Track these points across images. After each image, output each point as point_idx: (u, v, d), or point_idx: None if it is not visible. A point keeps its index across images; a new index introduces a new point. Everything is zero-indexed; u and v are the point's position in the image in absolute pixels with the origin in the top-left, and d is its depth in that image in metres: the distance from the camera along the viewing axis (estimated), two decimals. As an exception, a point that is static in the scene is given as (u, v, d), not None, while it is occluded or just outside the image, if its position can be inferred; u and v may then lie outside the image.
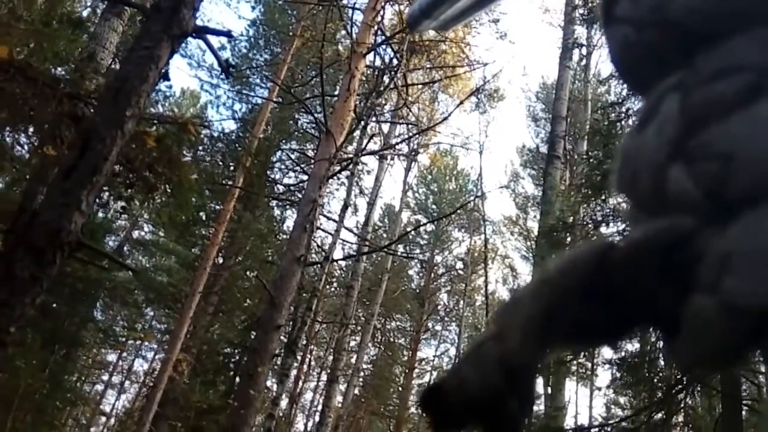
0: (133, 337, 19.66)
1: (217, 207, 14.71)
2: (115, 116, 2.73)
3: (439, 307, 22.59)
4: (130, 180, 4.68)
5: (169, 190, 4.95)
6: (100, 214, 16.26)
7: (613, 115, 9.79)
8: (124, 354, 22.39)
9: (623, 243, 0.27)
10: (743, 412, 6.58)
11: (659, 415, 7.44)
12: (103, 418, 23.17)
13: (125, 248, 19.32)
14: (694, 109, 0.27)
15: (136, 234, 20.51)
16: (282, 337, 9.46)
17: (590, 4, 11.06)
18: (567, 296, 0.27)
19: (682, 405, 7.94)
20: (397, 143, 14.78)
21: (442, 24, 0.53)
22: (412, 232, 19.41)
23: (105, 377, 23.42)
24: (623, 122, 9.37)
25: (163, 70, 2.94)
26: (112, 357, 23.27)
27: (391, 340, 22.25)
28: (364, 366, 19.53)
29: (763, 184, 0.24)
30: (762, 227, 0.23)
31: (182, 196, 5.03)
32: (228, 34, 3.54)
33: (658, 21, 0.30)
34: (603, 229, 9.13)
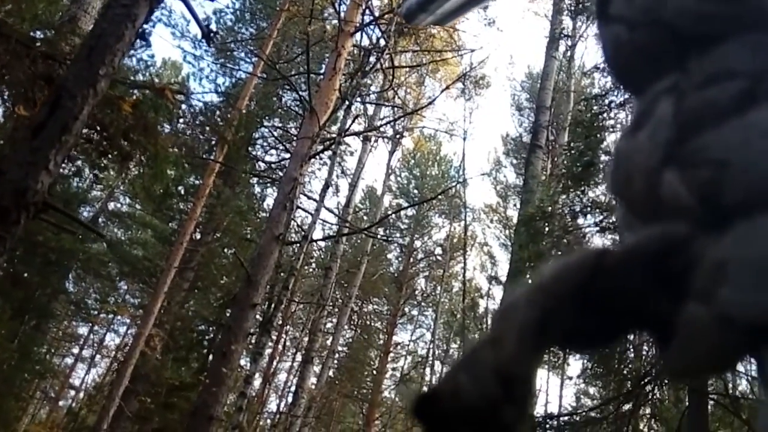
0: (106, 310, 19.45)
1: (197, 181, 14.53)
2: (88, 74, 2.62)
3: (416, 292, 22.69)
4: (104, 147, 4.55)
5: (144, 160, 4.84)
6: (75, 184, 15.97)
7: (595, 107, 9.83)
8: (96, 327, 22.18)
9: (617, 249, 0.27)
10: (709, 406, 6.70)
11: (627, 406, 7.56)
12: (72, 392, 22.99)
13: (100, 219, 19.01)
14: (688, 113, 0.27)
15: (111, 205, 20.22)
16: (257, 316, 9.42)
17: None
18: (561, 303, 0.27)
19: (650, 397, 8.08)
20: (382, 125, 14.70)
21: (439, 18, 0.52)
22: (393, 216, 19.40)
23: (75, 350, 23.24)
24: (605, 114, 9.41)
25: (140, 30, 2.83)
26: (83, 330, 23.07)
27: (368, 323, 22.31)
28: (340, 348, 19.58)
29: (758, 193, 0.24)
30: (757, 236, 0.23)
31: (158, 167, 4.92)
32: (210, -4, 3.41)
33: (652, 21, 0.29)
34: (581, 220, 9.20)
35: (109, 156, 4.72)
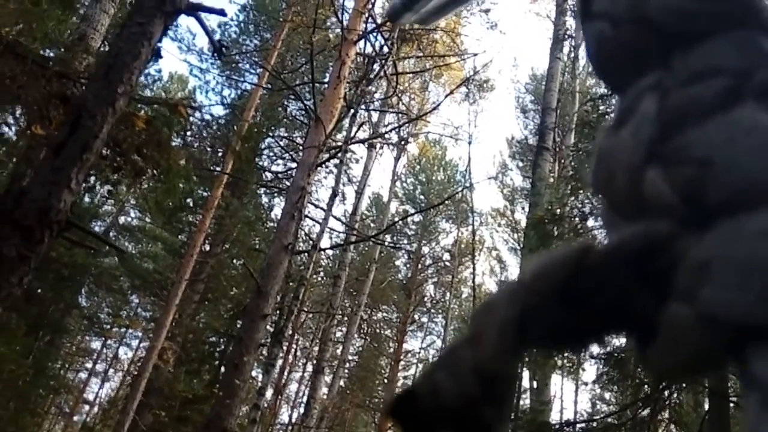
0: (119, 324, 19.49)
1: (205, 193, 14.59)
2: (107, 93, 2.66)
3: (425, 299, 22.61)
4: (118, 163, 4.60)
5: (156, 175, 4.87)
6: (87, 199, 16.06)
7: (601, 107, 9.81)
8: (109, 341, 22.22)
9: (600, 247, 0.26)
10: (731, 409, 6.63)
11: (645, 411, 7.49)
12: (87, 407, 23.04)
13: (111, 234, 19.09)
14: (671, 111, 0.27)
15: (122, 219, 20.33)
16: (268, 327, 9.42)
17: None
18: (542, 300, 0.26)
19: (669, 401, 8.00)
20: (387, 132, 14.73)
21: (423, 17, 0.52)
22: (400, 222, 19.39)
23: (89, 365, 23.26)
24: (612, 115, 9.40)
25: (155, 47, 2.87)
26: (96, 344, 23.11)
27: (378, 331, 22.25)
28: (350, 357, 19.53)
29: (741, 192, 0.24)
30: (740, 236, 0.23)
31: (171, 181, 4.95)
32: (221, 12, 3.47)
33: (635, 18, 0.29)
34: (591, 222, 9.17)
35: (122, 172, 4.76)
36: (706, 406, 6.64)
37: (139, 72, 2.82)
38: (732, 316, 0.22)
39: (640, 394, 7.68)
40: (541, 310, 0.26)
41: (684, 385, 6.94)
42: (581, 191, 9.25)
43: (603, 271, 0.26)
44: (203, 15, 3.23)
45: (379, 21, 11.22)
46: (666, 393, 7.13)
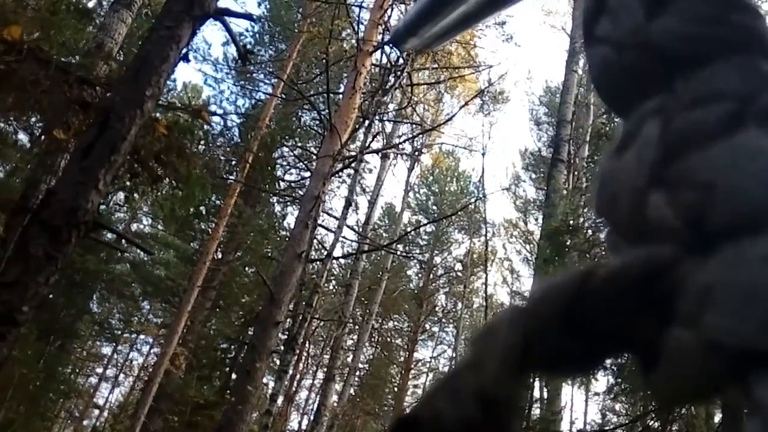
0: (130, 330, 19.56)
1: (218, 202, 14.67)
2: (135, 95, 2.69)
3: (436, 309, 22.55)
4: (135, 170, 4.62)
5: (173, 182, 4.89)
6: (102, 198, 16.21)
7: (616, 119, 9.78)
8: (120, 347, 22.31)
9: (603, 270, 0.26)
10: (743, 421, 6.55)
11: (656, 423, 7.41)
12: (97, 411, 23.07)
13: (123, 241, 19.21)
14: (674, 135, 0.27)
15: (135, 227, 20.45)
16: (280, 334, 9.42)
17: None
18: (545, 324, 0.26)
19: (680, 414, 7.92)
20: (401, 142, 14.76)
21: (427, 42, 0.52)
22: (413, 232, 19.38)
23: (99, 370, 23.33)
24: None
25: (183, 51, 2.90)
26: (106, 350, 23.19)
27: (389, 340, 22.19)
28: (361, 365, 19.48)
29: (744, 216, 0.23)
30: (743, 261, 0.23)
31: (189, 189, 4.98)
32: (249, 16, 3.49)
33: (638, 43, 0.29)
34: (604, 234, 9.13)
35: (140, 178, 4.79)
36: (718, 419, 6.56)
37: (167, 75, 2.86)
38: (735, 343, 0.22)
39: (650, 406, 7.61)
40: (544, 334, 0.26)
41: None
42: (595, 203, 9.21)
43: (606, 295, 0.25)
44: (229, 20, 3.27)
45: (394, 32, 11.24)
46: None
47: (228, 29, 3.36)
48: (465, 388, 0.27)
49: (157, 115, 5.60)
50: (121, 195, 18.33)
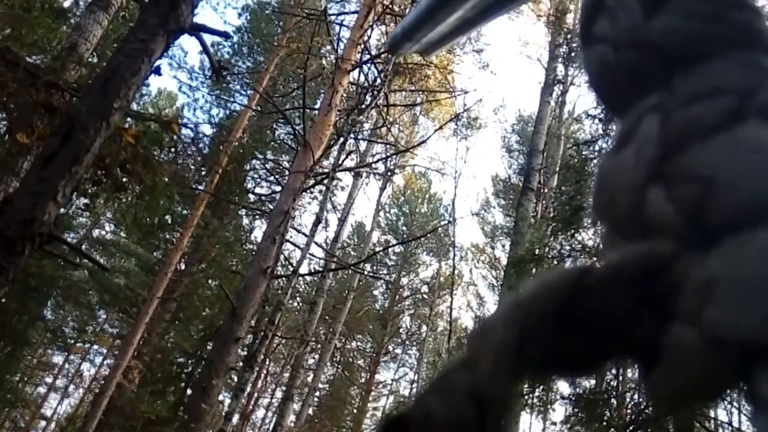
0: (83, 339, 18.97)
1: (185, 211, 14.41)
2: (102, 107, 2.59)
3: (401, 330, 22.47)
4: (98, 177, 4.50)
5: (138, 191, 4.77)
6: (61, 210, 15.79)
7: (585, 152, 9.97)
8: (72, 357, 21.62)
9: (601, 267, 0.26)
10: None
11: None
12: (43, 422, 22.26)
13: (84, 247, 18.70)
14: (673, 130, 0.27)
15: (96, 233, 19.93)
16: (240, 350, 9.24)
17: (572, 43, 11.32)
18: (541, 323, 0.26)
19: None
20: (374, 162, 14.78)
21: (424, 48, 0.52)
22: (381, 252, 19.33)
23: (49, 379, 22.58)
24: (596, 160, 9.55)
25: (155, 65, 2.82)
26: (58, 359, 22.46)
27: (351, 360, 22.00)
28: (321, 385, 19.22)
29: (744, 211, 0.23)
30: (745, 256, 0.23)
31: (153, 199, 4.86)
32: (225, 34, 3.42)
33: (637, 41, 0.29)
34: (569, 264, 9.24)
35: (102, 185, 4.66)
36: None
37: (137, 88, 2.76)
38: (739, 338, 0.21)
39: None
40: (540, 333, 0.25)
41: (650, 430, 6.96)
42: (561, 233, 9.34)
43: (603, 292, 0.25)
44: (205, 36, 3.20)
45: (373, 52, 11.33)
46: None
47: (204, 45, 3.28)
48: (458, 387, 0.26)
49: (128, 122, 5.47)
50: (84, 199, 17.88)
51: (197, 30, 3.09)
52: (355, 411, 20.76)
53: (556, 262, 9.34)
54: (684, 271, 0.23)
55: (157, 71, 2.92)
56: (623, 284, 0.24)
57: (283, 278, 10.42)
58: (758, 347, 0.21)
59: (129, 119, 4.26)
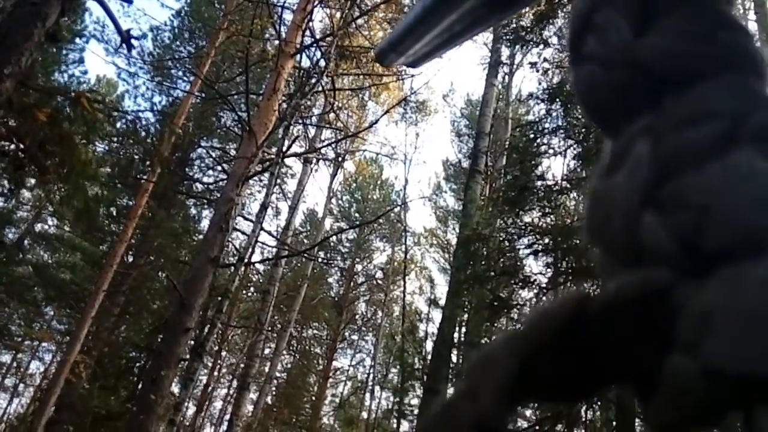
0: (30, 336, 18.41)
1: (130, 202, 14.06)
2: (-9, 73, 2.48)
3: (356, 317, 22.53)
4: (20, 161, 4.33)
5: (61, 174, 4.62)
6: (0, 203, 15.19)
7: (530, 133, 10.11)
8: (19, 355, 20.98)
9: (598, 296, 0.26)
10: (636, 424, 6.88)
11: (559, 426, 7.66)
12: (-8, 424, 21.57)
13: (26, 241, 18.09)
14: (666, 155, 0.27)
15: (39, 227, 19.29)
16: (191, 341, 9.12)
17: (515, 25, 11.41)
18: (541, 352, 0.26)
19: (583, 418, 8.21)
20: (322, 147, 14.70)
21: (411, 60, 0.52)
22: (334, 239, 19.30)
23: (-3, 379, 21.89)
24: (540, 140, 9.70)
25: (51, 30, 2.71)
26: (5, 358, 21.80)
27: (307, 348, 21.95)
28: (278, 374, 19.15)
29: (740, 240, 0.23)
30: (743, 287, 0.22)
31: (75, 180, 4.70)
32: None
33: (627, 61, 0.29)
34: (515, 243, 9.38)
35: (26, 169, 4.49)
36: (615, 422, 6.87)
37: (30, 53, 2.65)
38: (738, 371, 0.21)
39: (555, 410, 7.87)
40: (540, 362, 0.26)
41: (597, 401, 7.14)
42: (508, 213, 9.47)
43: (601, 321, 0.25)
44: (111, 3, 3.07)
45: (317, 35, 11.23)
46: (580, 408, 7.33)
47: (107, 10, 3.16)
48: (462, 419, 0.26)
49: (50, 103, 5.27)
50: (27, 194, 17.32)
51: (96, -6, 2.98)
52: (313, 398, 20.76)
53: (504, 242, 9.48)
54: (681, 300, 0.23)
55: (54, 38, 2.80)
56: (621, 313, 0.24)
57: (232, 267, 10.32)
58: (757, 380, 0.21)
59: (33, 95, 4.10)
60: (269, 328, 16.04)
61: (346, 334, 22.20)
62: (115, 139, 12.41)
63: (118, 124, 12.68)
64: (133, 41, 3.47)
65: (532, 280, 8.43)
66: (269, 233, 14.22)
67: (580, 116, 8.19)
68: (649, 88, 0.28)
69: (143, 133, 12.35)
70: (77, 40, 13.39)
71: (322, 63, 10.56)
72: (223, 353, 18.76)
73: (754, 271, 0.22)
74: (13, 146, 4.36)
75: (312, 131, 14.95)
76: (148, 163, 12.93)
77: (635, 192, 0.26)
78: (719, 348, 0.21)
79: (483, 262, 9.75)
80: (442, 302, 11.52)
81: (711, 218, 0.24)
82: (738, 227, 0.23)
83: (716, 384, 0.22)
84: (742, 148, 0.25)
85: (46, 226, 19.48)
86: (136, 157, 12.50)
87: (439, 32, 0.47)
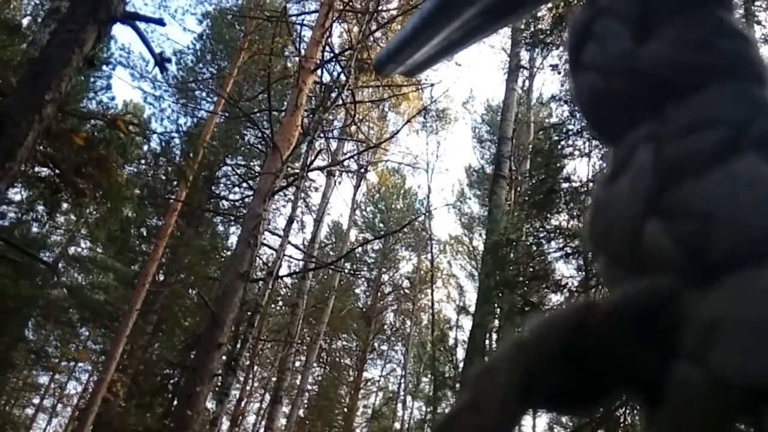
0: (67, 357, 18.75)
1: (159, 222, 14.30)
2: (33, 100, 2.58)
3: (385, 327, 22.48)
4: (56, 185, 4.45)
5: (98, 198, 4.73)
6: (35, 228, 15.59)
7: (554, 135, 10.05)
8: (57, 376, 21.36)
9: (602, 305, 0.26)
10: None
11: (600, 431, 7.53)
12: (33, 445, 21.94)
13: (60, 264, 18.48)
14: (669, 162, 0.26)
15: (72, 250, 19.71)
16: (224, 356, 9.20)
17: (533, 28, 11.39)
18: (545, 363, 0.26)
19: (622, 422, 8.07)
20: (345, 159, 14.79)
21: (409, 69, 0.53)
22: (360, 250, 19.35)
23: (36, 400, 22.30)
24: (564, 142, 9.64)
25: (89, 56, 2.81)
26: (44, 379, 22.20)
27: (337, 359, 21.96)
28: (309, 387, 19.18)
29: (745, 248, 0.23)
30: (749, 295, 0.22)
31: (112, 202, 4.81)
32: (160, 21, 3.40)
33: (627, 69, 0.29)
34: (544, 246, 9.32)
35: (62, 194, 4.61)
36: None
37: (69, 79, 2.75)
38: (746, 380, 0.21)
39: (593, 415, 7.75)
40: (544, 372, 0.25)
41: (637, 405, 7.02)
42: (535, 217, 9.41)
43: (606, 330, 0.25)
44: (143, 26, 3.18)
45: (336, 50, 11.34)
46: (618, 413, 7.20)
47: (140, 35, 3.27)
48: (466, 430, 0.26)
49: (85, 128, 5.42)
50: (60, 218, 17.72)
51: (130, 18, 3.08)
52: (345, 410, 20.73)
53: (533, 246, 9.42)
54: (686, 308, 0.23)
55: (91, 63, 2.91)
56: (625, 322, 0.24)
57: (261, 281, 10.40)
58: (765, 390, 0.21)
59: (71, 120, 4.22)
60: (299, 341, 16.11)
61: (376, 344, 22.17)
62: (143, 160, 12.67)
63: (145, 147, 12.95)
64: (166, 63, 3.59)
65: (563, 284, 8.35)
66: (296, 247, 14.32)
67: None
68: (650, 96, 0.28)
69: (171, 155, 12.57)
70: (104, 67, 13.75)
71: (342, 77, 10.67)
72: (255, 367, 18.87)
73: (759, 278, 0.22)
74: (49, 171, 4.49)
75: (334, 144, 15.07)
76: (175, 183, 13.15)
77: (638, 200, 0.26)
78: (726, 357, 0.21)
79: (512, 268, 9.68)
80: (472, 309, 11.47)
81: (715, 226, 0.24)
82: (742, 234, 0.23)
83: (724, 393, 0.21)
84: (744, 155, 0.25)
85: (80, 249, 19.93)
86: (163, 177, 12.72)
87: (437, 42, 0.47)
